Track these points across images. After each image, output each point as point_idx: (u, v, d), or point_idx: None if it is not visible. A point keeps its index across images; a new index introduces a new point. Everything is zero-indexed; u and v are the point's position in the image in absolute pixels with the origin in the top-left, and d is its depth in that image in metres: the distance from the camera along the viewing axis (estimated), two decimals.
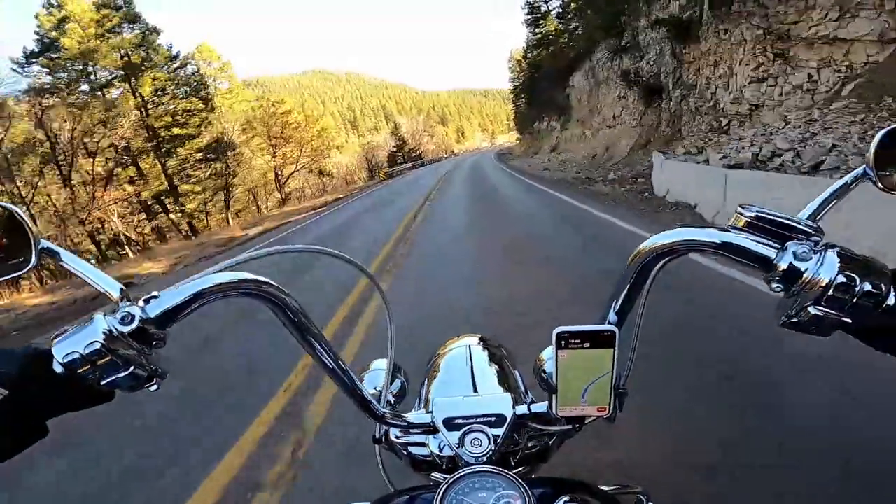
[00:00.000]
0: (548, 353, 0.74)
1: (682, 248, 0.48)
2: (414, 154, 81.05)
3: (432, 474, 0.72)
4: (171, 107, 26.45)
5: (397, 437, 0.73)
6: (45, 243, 0.46)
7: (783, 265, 0.42)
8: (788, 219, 0.43)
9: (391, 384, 0.75)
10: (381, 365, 0.84)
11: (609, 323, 0.55)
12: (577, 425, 0.60)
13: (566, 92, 26.08)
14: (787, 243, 0.43)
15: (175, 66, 26.94)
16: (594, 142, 20.20)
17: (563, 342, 0.52)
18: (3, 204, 0.46)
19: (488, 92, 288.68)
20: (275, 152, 32.46)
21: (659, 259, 0.50)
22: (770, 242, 0.43)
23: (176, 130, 26.25)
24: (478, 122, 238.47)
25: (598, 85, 21.43)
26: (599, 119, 21.31)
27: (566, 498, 0.52)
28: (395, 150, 77.82)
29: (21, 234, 0.46)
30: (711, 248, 0.46)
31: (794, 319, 0.43)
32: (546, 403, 0.61)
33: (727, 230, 0.46)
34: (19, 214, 0.46)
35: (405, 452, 0.74)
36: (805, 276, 0.41)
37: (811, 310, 0.41)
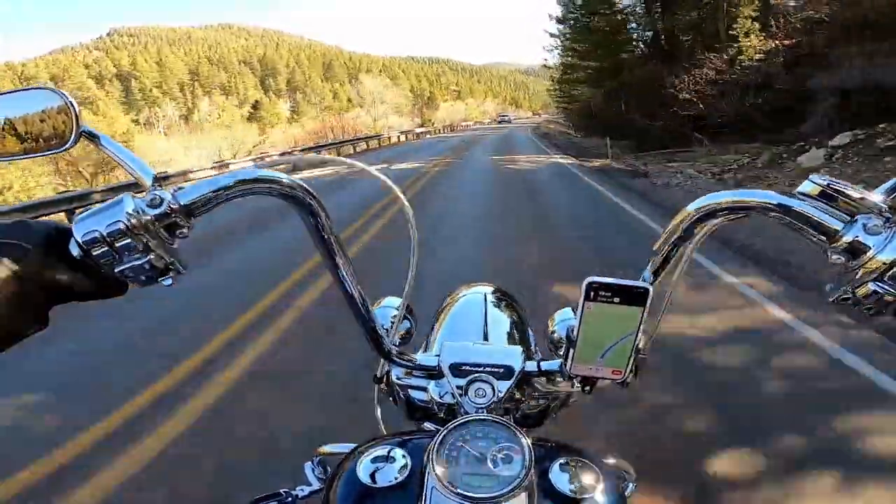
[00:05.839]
0: (561, 315, 0.79)
1: (738, 210, 0.46)
2: None
3: (425, 424, 0.71)
4: None
5: (399, 379, 0.72)
6: (86, 127, 0.46)
7: (849, 237, 0.40)
8: (860, 192, 0.41)
9: (399, 324, 0.73)
10: (393, 303, 0.83)
11: (643, 280, 0.52)
12: (587, 388, 0.57)
13: None
14: (858, 216, 0.41)
15: None
16: None
17: (592, 293, 0.49)
18: (52, 87, 0.48)
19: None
20: None
21: (710, 219, 0.47)
22: (838, 213, 0.42)
23: None
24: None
25: None
26: None
27: (562, 461, 0.51)
28: None
29: (65, 116, 0.47)
30: (772, 211, 0.44)
31: (848, 296, 0.42)
32: (556, 363, 0.59)
33: (793, 195, 0.43)
34: (66, 97, 0.47)
35: (403, 396, 0.73)
36: (871, 251, 0.40)
37: (870, 285, 0.40)
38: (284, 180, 0.47)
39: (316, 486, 0.67)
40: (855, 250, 0.40)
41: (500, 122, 67.71)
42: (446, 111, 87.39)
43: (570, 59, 26.02)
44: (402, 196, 0.58)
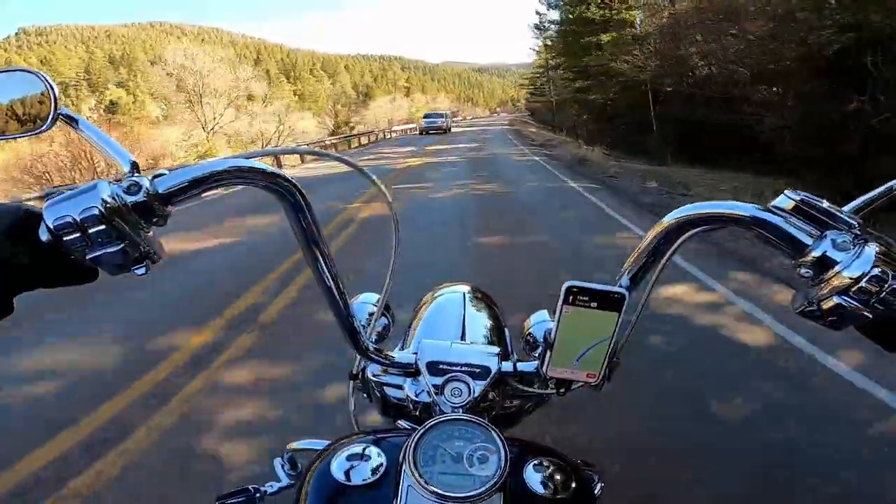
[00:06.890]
0: (537, 317, 0.79)
1: (714, 222, 0.47)
2: None
3: (399, 421, 0.70)
4: None
5: (375, 376, 0.72)
6: (65, 110, 0.46)
7: (818, 252, 0.41)
8: (832, 208, 0.42)
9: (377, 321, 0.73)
10: (370, 298, 0.82)
11: (620, 286, 0.53)
12: (562, 390, 0.58)
13: None
14: (827, 231, 0.42)
15: None
16: None
17: (570, 297, 0.50)
18: (32, 70, 0.47)
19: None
20: None
21: (687, 230, 0.49)
22: (809, 228, 0.43)
23: None
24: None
25: None
26: None
27: (535, 461, 0.52)
28: None
29: (44, 99, 0.47)
30: (745, 223, 0.45)
31: (813, 307, 0.42)
32: (532, 364, 0.60)
33: (766, 209, 0.44)
34: (45, 79, 0.46)
35: (378, 393, 0.73)
36: (838, 266, 0.40)
37: (835, 299, 0.41)
38: (268, 171, 0.46)
39: (285, 482, 0.66)
40: (823, 265, 0.41)
41: (426, 130, 31.12)
42: (382, 109, 62.34)
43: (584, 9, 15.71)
44: (384, 191, 0.58)
